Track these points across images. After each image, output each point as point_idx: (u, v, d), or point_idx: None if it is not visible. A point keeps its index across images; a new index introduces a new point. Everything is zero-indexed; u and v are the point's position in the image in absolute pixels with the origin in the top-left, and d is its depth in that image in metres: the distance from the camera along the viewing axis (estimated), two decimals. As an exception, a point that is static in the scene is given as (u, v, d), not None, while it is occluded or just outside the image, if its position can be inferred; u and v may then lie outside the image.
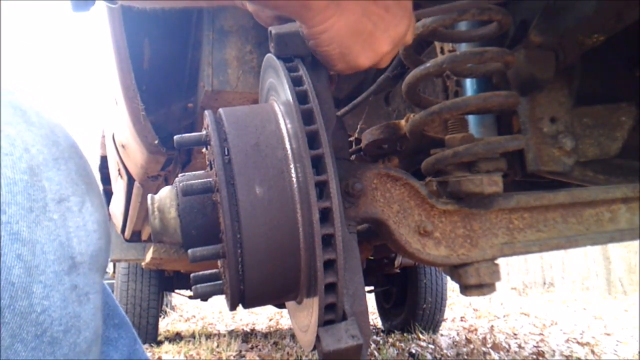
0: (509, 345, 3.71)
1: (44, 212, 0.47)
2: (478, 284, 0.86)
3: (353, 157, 1.38)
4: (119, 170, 2.30)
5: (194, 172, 0.76)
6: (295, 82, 0.70)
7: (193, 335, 4.89)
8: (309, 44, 0.72)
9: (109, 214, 3.06)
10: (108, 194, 3.01)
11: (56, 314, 0.47)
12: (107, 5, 1.32)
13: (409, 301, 4.29)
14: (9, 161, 0.46)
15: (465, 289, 0.87)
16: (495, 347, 3.57)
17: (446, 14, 0.94)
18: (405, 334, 4.22)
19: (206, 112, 0.72)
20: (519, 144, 0.93)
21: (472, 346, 3.65)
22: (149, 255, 3.03)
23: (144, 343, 3.99)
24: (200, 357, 3.67)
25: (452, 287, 5.28)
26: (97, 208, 0.54)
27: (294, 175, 0.67)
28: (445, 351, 3.52)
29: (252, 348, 3.95)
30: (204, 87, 1.38)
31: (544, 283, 11.78)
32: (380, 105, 1.59)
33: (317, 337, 0.67)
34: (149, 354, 3.66)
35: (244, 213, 0.65)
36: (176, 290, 4.86)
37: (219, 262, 0.75)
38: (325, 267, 0.64)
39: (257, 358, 3.52)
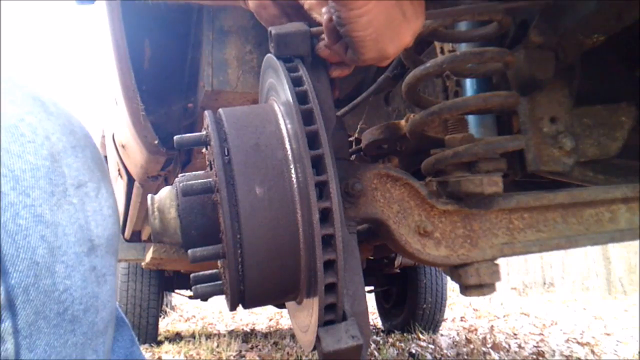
0: (509, 345, 3.71)
1: (65, 196, 0.49)
2: (478, 284, 0.86)
3: (353, 157, 1.38)
4: (119, 170, 2.30)
5: (194, 172, 0.76)
6: (295, 82, 0.70)
7: (193, 335, 4.89)
8: (343, 30, 0.69)
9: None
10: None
11: (77, 293, 0.49)
12: (107, 5, 1.32)
13: (409, 301, 4.29)
14: (31, 148, 0.48)
15: (465, 289, 0.87)
16: (495, 347, 3.57)
17: (450, 17, 0.94)
18: (405, 334, 4.22)
19: (206, 112, 0.72)
20: (519, 144, 0.93)
21: (472, 346, 3.65)
22: (149, 255, 3.03)
23: (144, 343, 3.99)
24: (200, 357, 3.66)
25: (452, 287, 5.29)
26: (110, 195, 0.56)
27: (294, 175, 0.67)
28: (445, 351, 3.52)
29: (252, 348, 3.95)
30: (204, 87, 1.38)
31: (544, 283, 11.78)
32: (380, 105, 1.59)
33: (317, 338, 0.67)
34: (149, 354, 3.66)
35: (244, 213, 0.65)
36: (176, 290, 4.86)
37: (219, 262, 0.75)
38: (325, 267, 0.64)
39: (257, 358, 3.52)
